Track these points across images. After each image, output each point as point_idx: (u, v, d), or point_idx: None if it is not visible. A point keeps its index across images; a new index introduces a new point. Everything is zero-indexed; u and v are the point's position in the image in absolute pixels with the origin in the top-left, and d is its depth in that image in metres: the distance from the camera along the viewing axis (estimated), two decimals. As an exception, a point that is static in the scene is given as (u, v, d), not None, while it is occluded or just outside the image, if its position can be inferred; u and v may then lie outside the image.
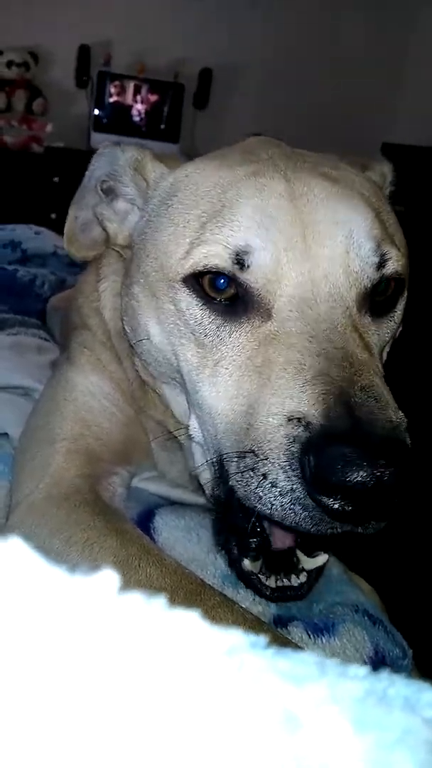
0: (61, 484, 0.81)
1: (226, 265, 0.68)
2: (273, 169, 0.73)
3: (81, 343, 0.95)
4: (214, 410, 0.69)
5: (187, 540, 0.81)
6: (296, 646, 0.64)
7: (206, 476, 0.75)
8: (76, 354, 0.94)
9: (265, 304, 0.67)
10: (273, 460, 0.60)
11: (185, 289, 0.71)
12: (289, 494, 0.59)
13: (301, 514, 0.59)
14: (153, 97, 4.95)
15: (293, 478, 0.59)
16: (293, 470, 0.59)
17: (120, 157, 0.87)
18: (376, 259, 0.70)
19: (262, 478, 0.61)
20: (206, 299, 0.70)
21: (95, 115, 4.92)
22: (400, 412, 0.61)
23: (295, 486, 0.59)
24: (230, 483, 0.66)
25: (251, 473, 0.62)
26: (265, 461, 0.61)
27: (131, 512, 0.87)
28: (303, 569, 0.72)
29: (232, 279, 0.68)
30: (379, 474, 0.54)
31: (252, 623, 0.63)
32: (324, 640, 0.69)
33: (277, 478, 0.60)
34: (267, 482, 0.60)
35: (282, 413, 0.60)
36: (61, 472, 0.83)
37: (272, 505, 0.61)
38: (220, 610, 0.63)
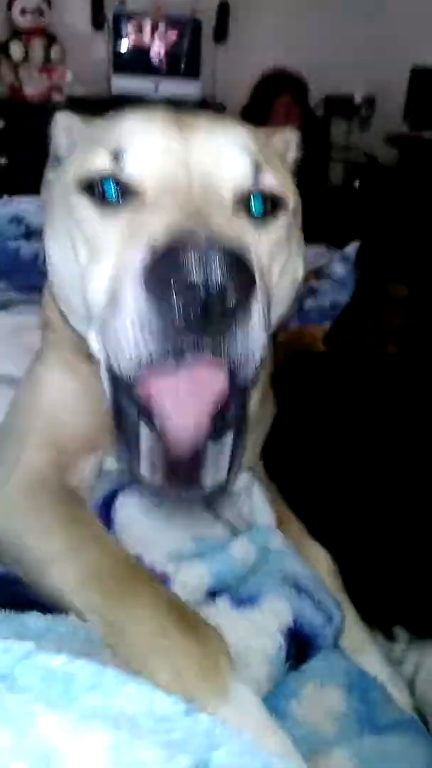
0: (30, 475, 0.92)
1: (107, 164, 0.75)
2: (162, 111, 0.81)
3: (48, 341, 1.04)
4: (96, 297, 0.72)
5: (141, 519, 0.91)
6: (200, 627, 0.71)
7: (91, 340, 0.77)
8: (43, 351, 1.04)
9: (142, 189, 0.73)
10: (125, 279, 0.64)
11: (77, 193, 0.77)
12: (134, 313, 0.62)
13: (149, 334, 0.61)
14: (171, 35, 4.83)
15: (138, 293, 0.62)
16: (139, 283, 0.62)
17: (57, 123, 0.94)
18: (250, 166, 0.76)
19: (117, 321, 0.64)
20: (95, 202, 0.76)
21: (114, 58, 4.84)
22: (249, 248, 0.66)
23: (138, 300, 0.62)
24: (101, 357, 0.72)
25: (111, 322, 0.65)
26: (117, 305, 0.64)
27: (99, 493, 0.97)
28: (205, 486, 0.72)
29: (118, 181, 0.74)
30: (209, 270, 0.58)
31: (168, 602, 0.73)
32: (245, 612, 0.78)
33: (126, 305, 0.63)
34: (120, 318, 0.63)
35: (135, 256, 0.64)
36: (30, 463, 0.93)
37: (126, 339, 0.63)
38: (145, 590, 0.74)
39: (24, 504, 0.88)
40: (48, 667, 0.36)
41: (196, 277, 0.58)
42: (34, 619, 0.71)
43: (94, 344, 0.76)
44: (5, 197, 2.13)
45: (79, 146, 0.87)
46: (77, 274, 0.77)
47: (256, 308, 0.64)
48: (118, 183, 0.75)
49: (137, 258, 0.63)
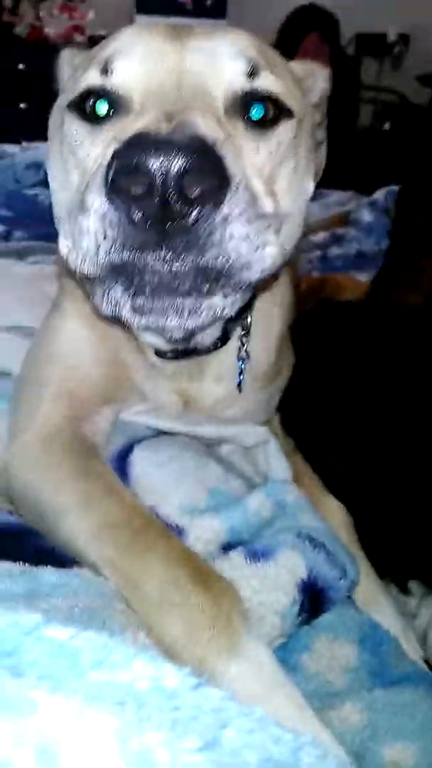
0: (47, 425, 0.92)
1: (97, 79, 0.72)
2: (162, 26, 0.76)
3: (63, 290, 1.02)
4: (67, 194, 0.72)
5: (156, 472, 0.91)
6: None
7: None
8: (60, 300, 1.02)
9: (129, 99, 0.69)
10: (90, 185, 0.61)
11: (68, 114, 0.75)
12: (97, 211, 0.59)
13: (110, 234, 0.58)
14: (197, -30, 4.65)
15: (99, 187, 0.59)
16: (101, 184, 0.59)
17: (62, 60, 0.93)
18: (247, 69, 0.71)
19: (84, 210, 0.61)
20: (86, 117, 0.73)
21: (137, -5, 4.68)
22: (225, 139, 0.61)
23: (100, 196, 0.58)
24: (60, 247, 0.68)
25: (78, 222, 0.62)
26: (87, 193, 0.61)
27: (114, 447, 0.97)
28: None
29: (106, 93, 0.71)
30: (169, 154, 0.54)
31: (182, 556, 0.73)
32: (259, 566, 0.78)
33: (89, 199, 0.60)
34: (84, 209, 0.60)
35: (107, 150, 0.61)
36: (48, 414, 0.93)
37: (87, 233, 0.60)
38: (159, 543, 0.74)
39: (40, 456, 0.88)
40: (55, 641, 0.36)
41: (151, 167, 0.54)
42: (48, 574, 0.72)
43: (63, 248, 0.69)
44: (24, 143, 2.10)
45: (78, 65, 0.84)
46: (71, 195, 0.72)
47: (233, 207, 0.59)
48: (107, 97, 0.71)
49: (105, 157, 0.60)
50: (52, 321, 1.03)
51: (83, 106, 0.72)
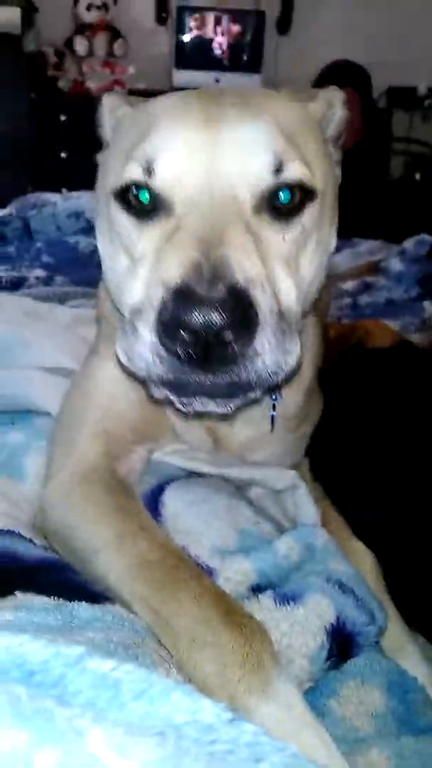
0: (83, 463, 0.95)
1: (140, 176, 0.80)
2: (195, 98, 0.85)
3: (102, 333, 1.07)
4: (133, 294, 0.80)
5: (187, 513, 0.93)
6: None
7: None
8: (98, 343, 1.07)
9: (170, 204, 0.79)
10: (143, 317, 0.73)
11: (114, 201, 0.84)
12: (147, 343, 0.72)
13: (159, 366, 0.72)
14: (234, 28, 4.83)
15: (151, 328, 0.71)
16: (152, 322, 0.71)
17: (103, 107, 0.99)
18: (273, 166, 0.78)
19: (138, 336, 0.73)
20: (130, 209, 0.83)
21: (176, 52, 4.87)
22: (254, 277, 0.71)
23: (151, 334, 0.71)
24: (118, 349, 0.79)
25: (132, 329, 0.74)
26: (141, 322, 0.73)
27: (147, 487, 0.99)
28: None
29: (149, 190, 0.80)
30: (208, 315, 0.66)
31: (214, 595, 0.74)
32: (289, 609, 0.79)
33: (141, 331, 0.73)
34: (137, 334, 0.73)
35: (157, 282, 0.72)
36: (84, 452, 0.96)
37: (138, 356, 0.73)
38: (191, 582, 0.75)
39: (77, 493, 0.91)
40: (98, 672, 0.37)
41: (196, 323, 0.66)
42: (82, 609, 0.74)
43: (121, 355, 0.80)
44: (65, 191, 2.19)
45: (118, 140, 0.91)
46: (119, 275, 0.86)
47: (263, 339, 0.70)
48: (149, 190, 0.80)
49: (154, 297, 0.71)
50: (89, 363, 1.07)
51: (127, 197, 0.82)
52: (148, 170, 0.79)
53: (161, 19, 4.86)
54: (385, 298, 2.20)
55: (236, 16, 4.81)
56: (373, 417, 1.25)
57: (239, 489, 1.06)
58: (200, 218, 0.74)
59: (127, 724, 0.34)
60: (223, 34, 4.83)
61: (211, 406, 0.78)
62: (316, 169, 0.84)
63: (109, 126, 0.98)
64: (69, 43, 4.74)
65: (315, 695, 0.77)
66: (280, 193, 0.79)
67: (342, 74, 4.32)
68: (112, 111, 0.98)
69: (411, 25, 4.76)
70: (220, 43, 4.86)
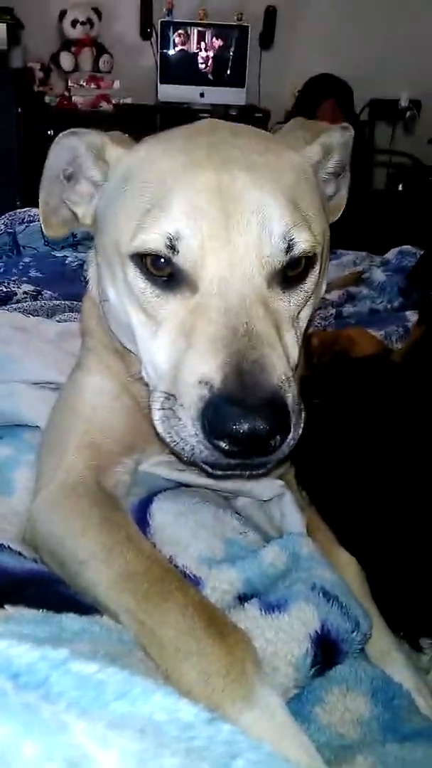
0: (70, 476, 0.96)
1: (162, 249, 0.83)
2: (206, 160, 0.85)
3: (87, 347, 1.08)
4: (154, 361, 0.87)
5: (175, 523, 0.94)
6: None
7: (155, 408, 0.88)
8: (82, 357, 1.08)
9: (193, 281, 0.83)
10: (186, 410, 0.79)
11: (132, 264, 0.87)
12: (194, 437, 0.78)
13: (203, 452, 0.79)
14: (218, 42, 4.89)
15: (198, 426, 0.78)
16: (198, 420, 0.77)
17: (80, 145, 0.98)
18: (285, 246, 0.83)
19: (178, 419, 0.80)
20: (148, 274, 0.86)
21: (161, 67, 4.91)
22: (285, 375, 0.78)
23: (198, 432, 0.78)
24: (155, 417, 0.84)
25: (172, 412, 0.81)
26: (182, 408, 0.79)
27: (135, 498, 1.00)
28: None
29: (169, 262, 0.83)
30: (252, 424, 0.73)
31: (199, 606, 0.75)
32: (274, 617, 0.80)
33: (187, 424, 0.79)
34: (181, 423, 0.79)
35: (196, 374, 0.78)
36: (71, 465, 0.97)
37: (182, 440, 0.80)
38: (176, 593, 0.77)
39: (64, 506, 0.92)
40: (82, 673, 0.39)
41: (242, 432, 0.73)
42: (70, 620, 0.75)
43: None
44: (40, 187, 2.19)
45: (123, 195, 0.89)
46: (130, 321, 0.90)
47: (294, 431, 0.80)
48: (168, 262, 0.83)
49: (195, 394, 0.78)
50: (75, 376, 1.08)
51: (144, 260, 0.85)
52: (171, 246, 0.82)
53: (146, 34, 4.90)
54: (369, 308, 2.23)
55: (219, 31, 4.87)
56: (357, 425, 1.27)
57: (226, 499, 1.08)
58: (225, 303, 0.80)
59: (109, 721, 0.35)
60: (206, 49, 4.88)
61: (240, 477, 0.89)
62: (316, 229, 0.88)
63: (98, 168, 0.97)
64: (55, 58, 4.78)
65: (300, 702, 0.78)
66: (288, 270, 0.86)
67: (324, 87, 4.38)
68: (96, 153, 0.96)
69: (392, 38, 4.84)
70: (204, 57, 4.91)
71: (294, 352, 0.86)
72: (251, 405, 0.73)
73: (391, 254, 2.60)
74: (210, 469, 0.84)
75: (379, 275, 2.44)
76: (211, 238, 0.81)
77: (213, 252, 0.81)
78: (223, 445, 0.76)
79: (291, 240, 0.83)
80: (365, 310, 2.21)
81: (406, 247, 2.63)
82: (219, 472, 0.86)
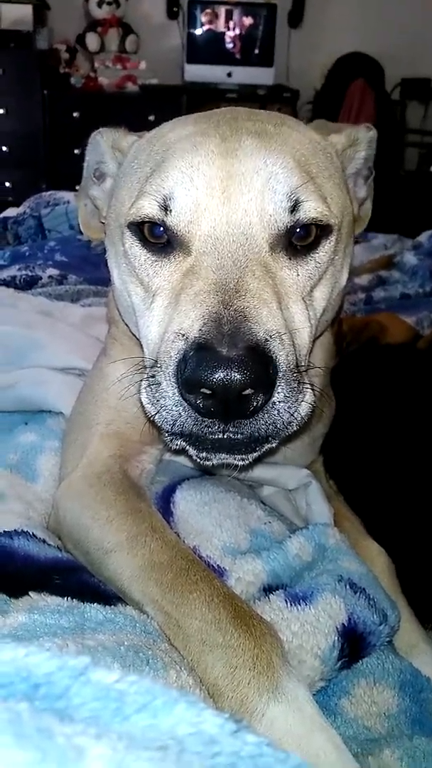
0: (95, 465, 0.95)
1: (155, 212, 0.80)
2: (213, 129, 0.83)
3: (112, 336, 1.07)
4: (150, 335, 0.82)
5: (199, 513, 0.93)
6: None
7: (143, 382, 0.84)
8: (108, 346, 1.07)
9: (187, 243, 0.79)
10: (164, 369, 0.74)
11: (129, 233, 0.85)
12: (170, 396, 0.73)
13: (180, 414, 0.73)
14: (246, 21, 4.81)
15: (172, 381, 0.72)
16: (173, 375, 0.72)
17: (101, 141, 0.99)
18: (290, 205, 0.78)
19: (157, 384, 0.74)
20: (144, 242, 0.83)
21: (188, 47, 4.86)
22: (277, 331, 0.72)
23: (172, 388, 0.72)
24: (141, 391, 0.79)
25: (153, 380, 0.75)
26: (160, 370, 0.74)
27: (158, 487, 1.00)
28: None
29: (164, 226, 0.80)
30: (229, 374, 0.66)
31: (224, 597, 0.74)
32: (299, 609, 0.79)
33: (163, 384, 0.73)
34: (161, 388, 0.74)
35: (175, 331, 0.73)
36: (96, 453, 0.97)
37: (162, 408, 0.74)
38: (201, 584, 0.76)
39: (89, 494, 0.91)
40: (101, 683, 0.38)
41: (217, 382, 0.67)
42: (94, 610, 0.74)
43: (145, 400, 0.80)
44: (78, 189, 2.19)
45: (130, 169, 0.90)
46: (134, 304, 0.87)
47: (280, 391, 0.72)
48: (164, 226, 0.80)
49: (173, 349, 0.72)
50: (100, 365, 1.08)
51: (142, 230, 0.82)
52: (165, 207, 0.79)
53: (172, 13, 4.85)
54: (400, 292, 2.18)
55: (247, 9, 4.79)
56: (387, 414, 1.25)
57: (251, 488, 1.07)
58: (217, 261, 0.75)
59: (130, 738, 0.34)
60: (234, 28, 4.81)
61: (230, 460, 0.79)
62: (332, 203, 0.84)
63: (114, 160, 0.98)
64: (81, 39, 4.75)
65: (327, 695, 0.77)
66: (295, 234, 0.80)
67: (354, 66, 4.31)
68: (112, 145, 0.98)
69: (423, 16, 4.71)
70: (231, 37, 4.84)
71: (304, 328, 0.80)
72: (226, 352, 0.67)
73: (424, 237, 2.54)
74: (195, 453, 0.78)
75: (411, 259, 2.38)
76: (208, 196, 0.77)
77: (209, 210, 0.77)
78: (197, 401, 0.70)
79: (296, 200, 0.78)
80: (396, 294, 2.16)
81: (440, 230, 2.57)
82: (205, 456, 0.78)
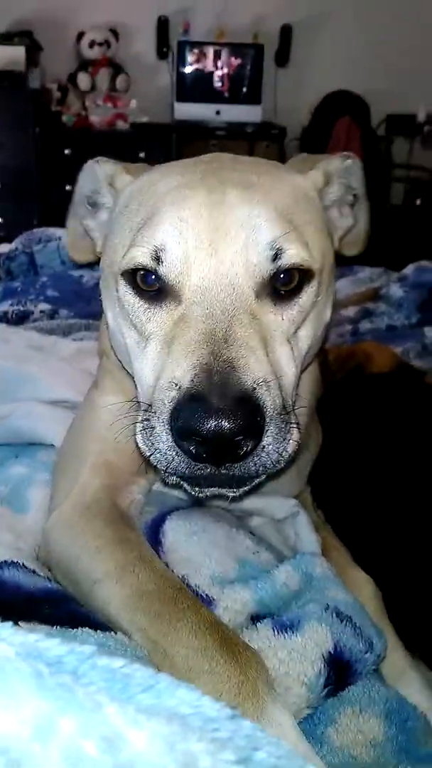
0: (85, 495, 0.97)
1: (148, 261, 0.84)
2: (199, 181, 0.87)
3: (103, 367, 1.10)
4: (144, 378, 0.85)
5: (187, 543, 0.95)
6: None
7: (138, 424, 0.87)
8: (99, 378, 1.10)
9: (178, 292, 0.83)
10: (158, 415, 0.77)
11: (123, 281, 0.88)
12: (164, 442, 0.76)
13: (175, 460, 0.76)
14: (234, 61, 4.94)
15: (167, 428, 0.76)
16: (168, 424, 0.75)
17: (98, 172, 1.03)
18: (272, 254, 0.82)
19: (152, 428, 0.78)
20: (137, 290, 0.87)
21: (177, 85, 4.97)
22: (264, 378, 0.75)
23: (168, 437, 0.76)
24: (136, 434, 0.82)
25: (147, 423, 0.79)
26: (154, 415, 0.78)
27: (147, 517, 1.01)
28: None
29: (156, 275, 0.84)
30: (218, 423, 0.70)
31: (211, 625, 0.76)
32: (286, 637, 0.80)
33: (160, 431, 0.77)
34: (156, 432, 0.77)
35: (168, 379, 0.77)
36: (86, 484, 0.98)
37: (156, 450, 0.78)
38: (188, 612, 0.77)
39: (78, 525, 0.93)
40: (109, 667, 0.40)
41: (208, 432, 0.70)
42: (85, 635, 0.76)
43: (139, 439, 0.83)
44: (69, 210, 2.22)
45: (123, 216, 0.93)
46: (129, 347, 0.90)
47: (269, 436, 0.75)
48: (155, 275, 0.84)
49: (167, 398, 0.76)
50: (91, 396, 1.10)
51: (135, 278, 0.87)
52: (156, 258, 0.83)
53: (162, 53, 4.98)
54: (386, 324, 2.22)
55: (235, 49, 4.92)
56: (374, 444, 1.27)
57: (240, 518, 1.08)
58: (207, 310, 0.79)
59: (138, 707, 0.36)
60: (222, 68, 4.94)
61: (222, 491, 0.82)
62: (313, 247, 0.88)
63: (110, 194, 1.02)
64: (72, 78, 4.86)
65: (313, 723, 0.78)
66: (279, 281, 0.84)
67: (340, 104, 4.42)
68: (109, 181, 1.01)
69: (408, 53, 4.85)
70: (220, 75, 4.97)
71: (289, 369, 0.84)
72: (217, 403, 0.71)
73: (409, 269, 2.59)
74: (189, 488, 0.82)
75: (397, 291, 2.42)
76: (197, 248, 0.81)
77: (198, 262, 0.81)
78: (190, 447, 0.73)
79: (279, 248, 0.82)
80: (383, 326, 2.20)
81: (425, 263, 2.61)
82: (198, 489, 0.82)
